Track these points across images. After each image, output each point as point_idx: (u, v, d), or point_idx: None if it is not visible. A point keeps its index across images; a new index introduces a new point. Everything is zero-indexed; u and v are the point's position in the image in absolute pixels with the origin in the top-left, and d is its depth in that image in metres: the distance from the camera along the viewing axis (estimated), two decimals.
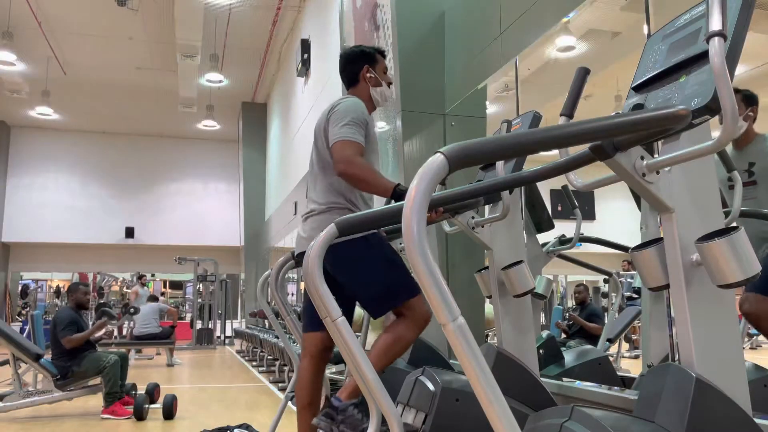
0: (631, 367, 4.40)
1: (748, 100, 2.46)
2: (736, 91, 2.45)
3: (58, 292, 17.91)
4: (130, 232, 17.39)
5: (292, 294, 11.20)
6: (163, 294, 19.19)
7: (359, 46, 2.88)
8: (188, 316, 16.57)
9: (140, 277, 12.85)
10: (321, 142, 2.65)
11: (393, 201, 2.50)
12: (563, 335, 4.38)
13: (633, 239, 2.14)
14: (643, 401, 1.40)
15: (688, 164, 1.41)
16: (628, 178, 1.36)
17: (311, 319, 2.61)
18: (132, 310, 9.94)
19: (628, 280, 4.18)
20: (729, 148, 2.55)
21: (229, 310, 15.41)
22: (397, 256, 2.58)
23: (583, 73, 1.60)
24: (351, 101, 2.63)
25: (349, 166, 2.43)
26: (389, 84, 2.84)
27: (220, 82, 13.34)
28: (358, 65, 2.78)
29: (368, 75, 2.78)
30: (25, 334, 7.65)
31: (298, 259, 2.76)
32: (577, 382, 2.86)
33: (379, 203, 2.85)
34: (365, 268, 2.47)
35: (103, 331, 5.36)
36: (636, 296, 4.01)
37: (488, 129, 4.38)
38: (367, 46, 2.87)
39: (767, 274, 1.53)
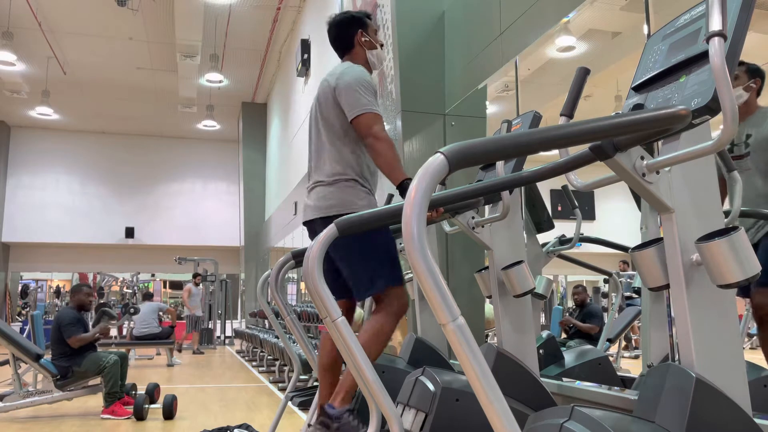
0: (631, 367, 4.40)
1: (752, 72, 2.44)
2: (741, 63, 2.44)
3: (58, 292, 17.91)
4: (130, 232, 17.39)
5: (292, 294, 11.21)
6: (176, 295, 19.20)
7: (347, 12, 2.90)
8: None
9: (195, 276, 12.66)
10: (329, 111, 2.66)
11: (397, 192, 2.54)
12: (563, 335, 4.39)
13: (633, 239, 2.14)
14: (643, 401, 1.40)
15: (688, 164, 1.41)
16: (628, 178, 1.36)
17: (331, 287, 2.65)
18: (132, 310, 9.95)
19: (628, 280, 4.18)
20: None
21: (229, 310, 15.42)
22: (393, 246, 2.63)
23: (583, 73, 1.60)
24: (357, 70, 2.66)
25: (379, 142, 2.52)
26: (381, 45, 2.87)
27: (220, 82, 13.34)
28: (351, 30, 2.81)
29: (363, 39, 2.81)
30: (25, 334, 7.65)
31: (298, 258, 2.77)
32: (577, 382, 2.86)
33: (382, 181, 2.89)
34: (358, 249, 2.52)
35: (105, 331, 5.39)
36: (635, 296, 4.02)
37: (488, 129, 4.38)
38: (354, 11, 2.90)
39: None
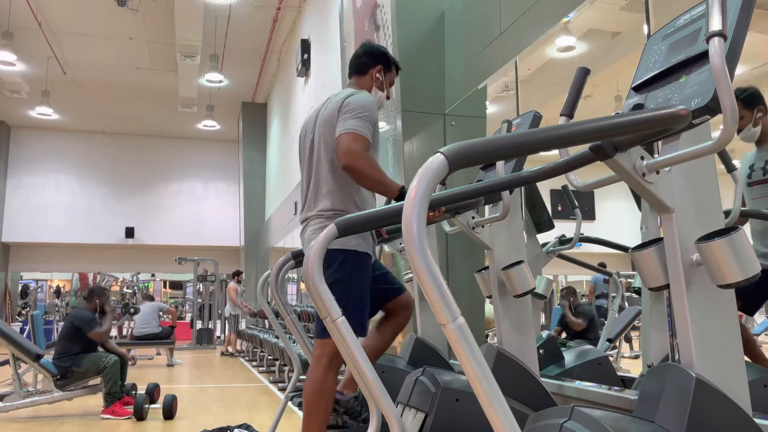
0: (631, 367, 4.40)
1: (748, 101, 2.40)
2: (736, 96, 2.43)
3: (58, 292, 17.91)
4: (130, 232, 17.39)
5: (292, 294, 11.21)
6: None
7: (385, 49, 2.88)
8: (188, 316, 16.58)
9: (237, 273, 12.17)
10: (331, 135, 2.56)
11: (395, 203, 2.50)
12: (563, 335, 4.39)
13: (633, 239, 2.14)
14: (643, 401, 1.40)
15: (688, 164, 1.41)
16: (628, 178, 1.36)
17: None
18: (132, 310, 9.95)
19: (628, 280, 4.19)
20: (751, 147, 2.53)
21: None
22: (366, 294, 2.51)
23: (583, 73, 1.60)
24: (365, 96, 2.59)
25: (357, 160, 2.37)
26: (388, 97, 2.85)
27: (220, 82, 13.34)
28: (375, 61, 2.79)
29: (377, 75, 2.79)
30: (25, 334, 7.65)
31: (298, 258, 2.77)
32: (577, 382, 2.86)
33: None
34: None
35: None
36: (632, 295, 4.02)
37: (488, 129, 4.38)
38: (390, 54, 2.88)
39: None
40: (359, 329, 2.44)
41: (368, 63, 2.79)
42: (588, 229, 3.54)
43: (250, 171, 15.63)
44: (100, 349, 5.14)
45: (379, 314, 2.84)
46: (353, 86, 2.77)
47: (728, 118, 1.21)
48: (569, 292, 4.37)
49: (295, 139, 3.14)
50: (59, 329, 15.62)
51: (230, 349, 11.66)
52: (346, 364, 2.27)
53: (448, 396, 2.30)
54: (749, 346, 2.35)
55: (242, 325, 12.51)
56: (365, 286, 2.51)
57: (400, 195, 2.39)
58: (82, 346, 4.99)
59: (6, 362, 5.12)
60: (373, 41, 2.90)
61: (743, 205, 2.50)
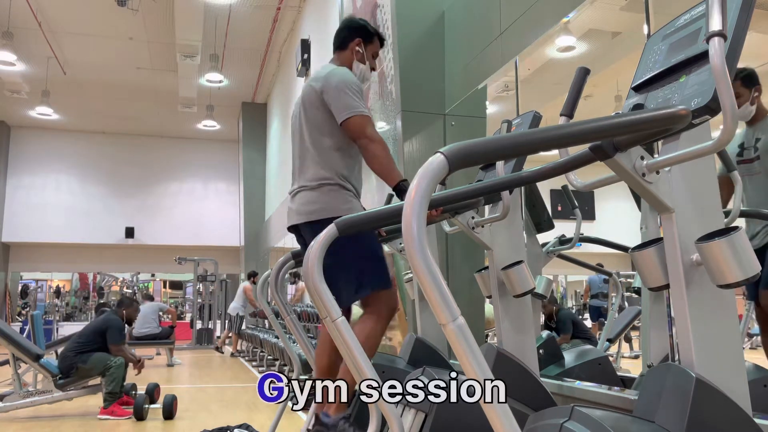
0: (631, 367, 4.40)
1: (746, 80, 2.45)
2: (737, 74, 2.45)
3: (58, 292, 17.92)
4: (130, 232, 17.39)
5: (292, 294, 11.20)
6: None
7: (365, 21, 2.91)
8: (188, 316, 16.58)
9: (253, 274, 11.92)
10: (315, 113, 2.64)
11: (393, 194, 2.53)
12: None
13: (633, 239, 2.14)
14: (643, 401, 1.40)
15: (688, 164, 1.41)
16: (628, 178, 1.36)
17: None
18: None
19: (628, 280, 4.18)
20: (741, 126, 2.55)
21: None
22: (379, 248, 2.62)
23: (583, 73, 1.60)
24: (343, 71, 2.66)
25: (373, 144, 2.50)
26: (372, 69, 2.88)
27: (220, 82, 13.34)
28: (353, 35, 2.82)
29: (357, 48, 2.82)
30: (25, 334, 7.65)
31: (298, 258, 2.77)
32: (577, 382, 2.86)
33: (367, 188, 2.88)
34: (345, 254, 2.46)
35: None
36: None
37: (488, 129, 4.37)
38: (372, 26, 2.90)
39: None
40: (386, 282, 2.55)
41: (347, 37, 2.82)
42: (588, 229, 3.54)
43: (250, 171, 15.63)
44: None
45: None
46: (335, 62, 2.83)
47: (728, 118, 1.21)
48: (547, 312, 4.35)
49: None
50: (58, 329, 15.61)
51: (229, 348, 11.70)
52: (346, 364, 2.27)
53: None
54: None
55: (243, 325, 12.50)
56: (375, 242, 2.59)
57: (398, 187, 2.44)
58: (97, 347, 5.01)
59: (6, 362, 5.12)
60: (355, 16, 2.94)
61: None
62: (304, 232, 2.66)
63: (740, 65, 1.33)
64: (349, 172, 2.66)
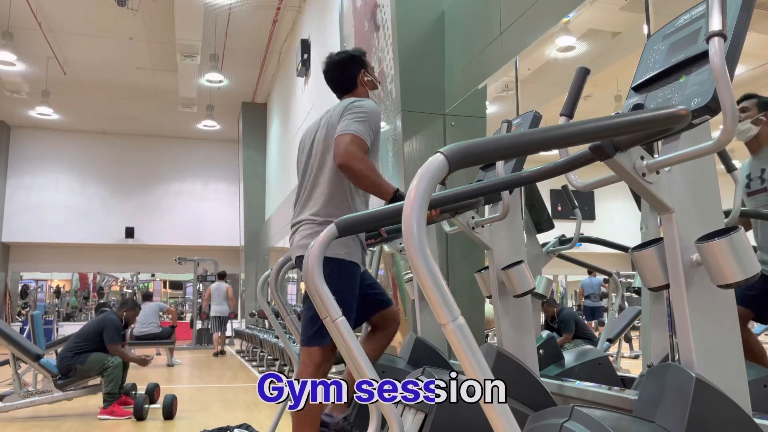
0: (631, 367, 4.40)
1: (763, 105, 2.40)
2: (753, 96, 2.43)
3: (58, 292, 17.91)
4: (130, 232, 17.39)
5: (292, 294, 11.20)
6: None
7: (345, 52, 2.83)
8: (188, 316, 16.57)
9: (224, 275, 12.18)
10: (332, 138, 2.53)
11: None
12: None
13: (633, 239, 2.14)
14: (643, 401, 1.40)
15: (688, 164, 1.41)
16: (628, 178, 1.36)
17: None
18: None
19: (628, 280, 4.18)
20: (747, 155, 2.51)
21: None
22: (353, 299, 2.51)
23: (583, 73, 1.60)
24: (372, 104, 2.57)
25: (353, 160, 2.36)
26: (379, 83, 2.85)
27: (220, 82, 13.34)
28: (354, 71, 2.75)
29: (366, 79, 2.76)
30: (25, 334, 7.65)
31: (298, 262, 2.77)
32: (577, 382, 2.86)
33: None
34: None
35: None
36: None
37: (488, 129, 4.37)
38: (352, 50, 2.83)
39: None
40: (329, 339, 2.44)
41: (351, 76, 2.75)
42: (588, 229, 3.53)
43: (250, 171, 15.63)
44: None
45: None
46: None
47: (728, 118, 1.21)
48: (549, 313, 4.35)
49: (296, 139, 3.15)
50: (58, 330, 15.61)
51: (230, 348, 11.78)
52: (346, 364, 2.27)
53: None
54: (753, 348, 2.35)
55: (242, 325, 12.53)
56: (353, 295, 2.50)
57: (395, 198, 2.38)
58: (95, 347, 5.01)
59: (6, 362, 5.12)
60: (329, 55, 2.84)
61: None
62: (299, 265, 2.61)
63: (740, 68, 1.33)
64: (357, 209, 2.59)
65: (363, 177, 2.39)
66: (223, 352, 11.78)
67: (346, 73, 2.75)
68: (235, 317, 12.14)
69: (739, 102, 2.42)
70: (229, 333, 15.03)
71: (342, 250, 2.46)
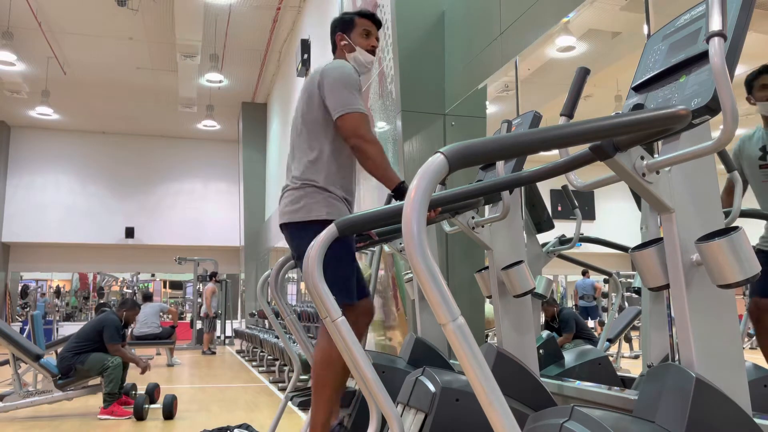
0: (631, 367, 4.39)
1: None
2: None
3: (58, 292, 17.91)
4: (130, 232, 17.39)
5: (292, 294, 11.20)
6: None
7: (342, 13, 2.89)
8: (188, 316, 16.58)
9: (213, 275, 12.58)
10: (311, 107, 2.58)
11: (393, 197, 2.50)
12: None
13: (633, 239, 2.14)
14: (643, 401, 1.40)
15: (688, 164, 1.41)
16: (628, 178, 1.36)
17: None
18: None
19: (628, 280, 4.18)
20: (761, 128, 2.49)
21: (229, 310, 15.42)
22: (351, 259, 2.52)
23: (583, 73, 1.60)
24: (343, 66, 2.61)
25: (367, 145, 2.42)
26: (372, 48, 2.80)
27: (220, 82, 13.34)
28: (334, 34, 2.82)
29: (342, 42, 2.79)
30: (25, 334, 7.65)
31: (297, 262, 2.76)
32: (577, 382, 2.86)
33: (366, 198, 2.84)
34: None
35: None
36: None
37: (488, 129, 4.37)
38: (347, 12, 2.87)
39: None
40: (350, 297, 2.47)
41: (332, 40, 2.83)
42: (588, 229, 3.53)
43: (250, 171, 15.63)
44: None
45: None
46: None
47: (728, 118, 1.21)
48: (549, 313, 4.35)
49: None
50: (58, 329, 15.59)
51: (209, 347, 12.09)
52: (346, 363, 2.27)
53: (448, 396, 2.29)
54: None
55: (242, 325, 12.55)
56: (350, 267, 2.52)
57: (398, 189, 2.39)
58: (95, 347, 5.01)
59: (6, 362, 5.12)
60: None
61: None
62: (284, 232, 2.64)
63: (740, 68, 1.33)
64: (340, 175, 2.58)
65: (375, 163, 2.43)
66: (213, 352, 11.88)
67: (331, 36, 2.85)
68: (215, 316, 12.52)
69: (759, 74, 2.41)
70: (229, 333, 15.07)
71: (323, 210, 2.49)
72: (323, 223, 2.39)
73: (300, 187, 2.55)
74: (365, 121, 2.48)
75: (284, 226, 2.63)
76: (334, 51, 2.85)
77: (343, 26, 2.80)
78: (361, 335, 2.76)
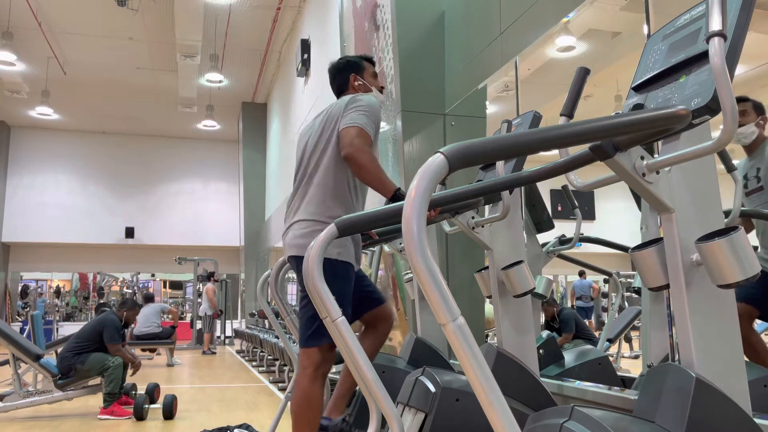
0: (631, 367, 4.39)
1: (758, 108, 2.47)
2: (747, 99, 2.48)
3: (58, 292, 17.91)
4: (130, 232, 17.39)
5: (292, 294, 11.20)
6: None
7: (345, 57, 2.92)
8: (188, 317, 16.58)
9: (212, 274, 12.67)
10: (331, 142, 2.58)
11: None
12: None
13: (633, 239, 2.14)
14: (643, 401, 1.40)
15: (688, 164, 1.41)
16: (628, 178, 1.36)
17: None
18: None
19: (628, 280, 4.18)
20: (743, 157, 2.55)
21: (229, 310, 15.42)
22: (348, 300, 2.51)
23: (583, 73, 1.60)
24: (372, 99, 2.63)
25: (359, 153, 2.41)
26: (381, 89, 2.87)
27: (220, 82, 13.34)
28: (345, 75, 2.82)
29: (356, 83, 2.81)
30: (25, 334, 7.65)
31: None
32: (577, 382, 2.86)
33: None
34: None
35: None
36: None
37: (488, 129, 4.37)
38: (354, 56, 2.92)
39: None
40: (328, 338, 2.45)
41: (343, 82, 2.83)
42: (588, 229, 3.53)
43: (250, 171, 15.63)
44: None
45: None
46: None
47: (728, 118, 1.21)
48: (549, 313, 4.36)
49: (295, 139, 3.15)
50: (58, 329, 15.59)
51: (209, 347, 12.13)
52: (346, 364, 2.27)
53: (448, 396, 2.29)
54: (756, 347, 2.36)
55: (242, 325, 12.56)
56: (347, 296, 2.50)
57: (395, 196, 2.39)
58: (95, 347, 5.01)
59: (6, 362, 5.12)
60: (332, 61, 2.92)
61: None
62: (293, 265, 2.63)
63: (740, 68, 1.33)
64: (353, 208, 2.61)
65: (368, 171, 2.42)
66: (213, 352, 11.89)
67: (338, 78, 2.85)
68: (218, 316, 12.62)
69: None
70: (229, 333, 15.07)
71: (334, 250, 2.47)
72: (334, 263, 2.43)
73: (316, 222, 2.55)
74: (365, 137, 2.46)
75: (290, 259, 2.64)
76: (341, 91, 2.83)
77: (355, 68, 2.83)
78: (382, 342, 2.78)
